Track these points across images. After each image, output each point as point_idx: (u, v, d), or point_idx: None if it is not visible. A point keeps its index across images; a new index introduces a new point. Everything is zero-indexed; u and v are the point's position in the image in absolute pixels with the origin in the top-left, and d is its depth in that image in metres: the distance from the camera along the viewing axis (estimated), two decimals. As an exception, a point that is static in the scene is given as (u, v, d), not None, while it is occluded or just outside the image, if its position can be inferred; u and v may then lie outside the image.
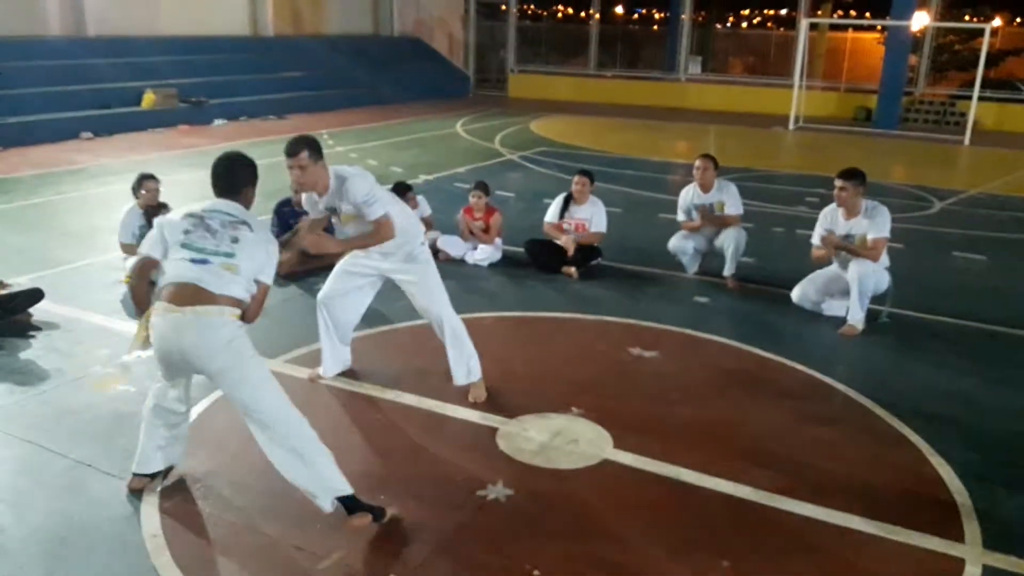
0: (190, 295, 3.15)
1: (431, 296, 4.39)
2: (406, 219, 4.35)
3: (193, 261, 3.20)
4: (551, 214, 6.98)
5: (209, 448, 3.93)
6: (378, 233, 4.08)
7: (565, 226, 6.87)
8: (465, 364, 4.44)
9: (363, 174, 4.14)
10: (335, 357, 4.68)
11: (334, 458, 3.28)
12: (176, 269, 3.21)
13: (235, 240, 3.27)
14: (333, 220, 4.31)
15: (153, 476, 3.57)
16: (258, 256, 3.31)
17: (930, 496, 3.70)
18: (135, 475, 3.54)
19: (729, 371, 5.03)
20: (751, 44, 25.33)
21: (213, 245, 3.24)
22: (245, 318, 3.31)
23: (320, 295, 4.57)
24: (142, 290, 3.38)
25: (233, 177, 3.49)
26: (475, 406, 4.38)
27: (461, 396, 4.46)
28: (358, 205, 4.05)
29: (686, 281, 6.76)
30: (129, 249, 6.08)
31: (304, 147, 3.97)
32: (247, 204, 3.47)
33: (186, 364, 3.25)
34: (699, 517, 3.49)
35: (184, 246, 3.24)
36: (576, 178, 6.90)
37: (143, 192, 6.26)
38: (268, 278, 3.38)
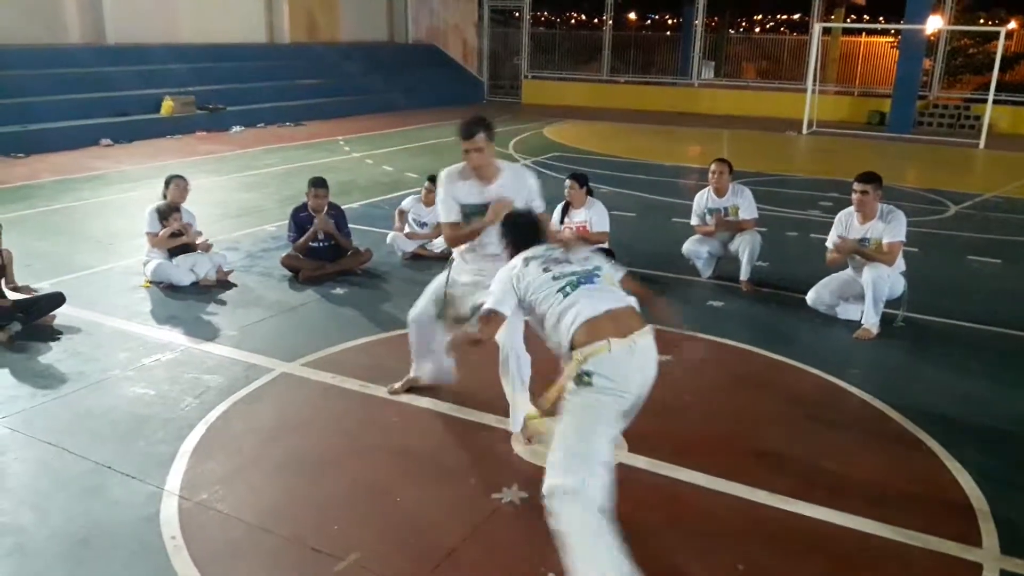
0: (625, 322, 3.04)
1: None
2: None
3: (582, 283, 3.14)
4: (553, 223, 7.00)
5: (227, 451, 3.97)
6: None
7: (567, 232, 6.87)
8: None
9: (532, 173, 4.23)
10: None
11: None
12: (578, 303, 3.06)
13: (585, 257, 3.31)
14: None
15: None
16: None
17: (946, 500, 3.68)
18: None
19: (743, 375, 5.03)
20: (764, 48, 25.20)
21: (579, 266, 3.24)
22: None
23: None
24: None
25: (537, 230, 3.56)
26: (490, 410, 4.37)
27: (476, 399, 4.47)
28: (530, 199, 4.04)
29: (700, 285, 6.77)
30: (151, 238, 6.28)
31: (481, 128, 3.96)
32: None
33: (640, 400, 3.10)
34: (714, 521, 3.49)
35: (556, 279, 3.18)
36: (567, 182, 6.91)
37: (172, 188, 6.45)
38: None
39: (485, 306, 3.29)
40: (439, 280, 4.27)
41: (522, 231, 3.53)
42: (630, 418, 3.11)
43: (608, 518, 2.82)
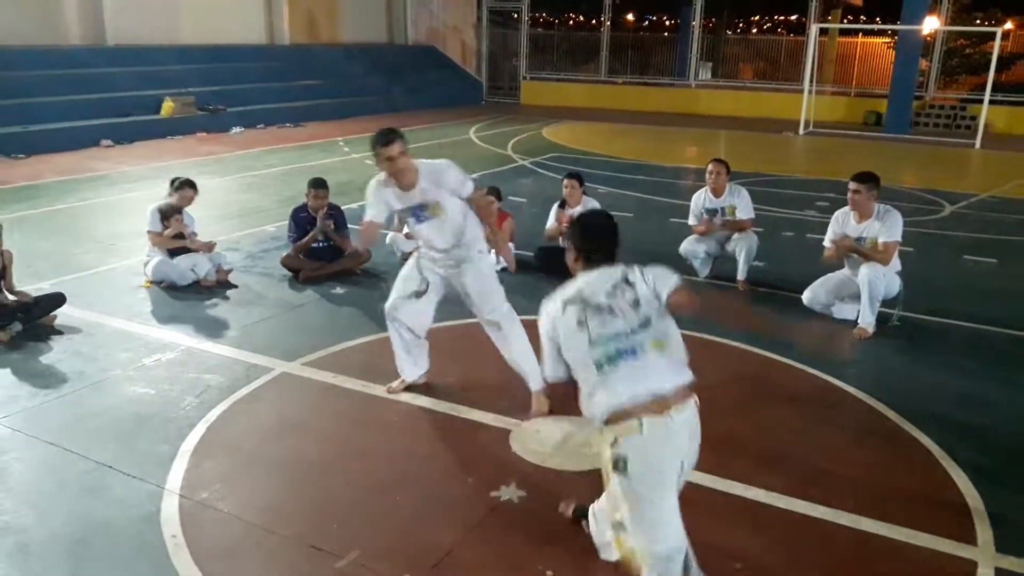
0: (665, 399, 2.66)
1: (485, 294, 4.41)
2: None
3: (623, 357, 2.68)
4: (550, 222, 7.07)
5: (227, 450, 3.99)
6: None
7: (562, 231, 6.92)
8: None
9: (448, 162, 4.28)
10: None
11: None
12: (614, 384, 2.66)
13: (635, 304, 2.76)
14: (409, 220, 4.33)
15: None
16: (660, 304, 2.78)
17: (942, 499, 3.71)
18: None
19: (740, 374, 5.06)
20: (761, 49, 25.24)
21: (623, 321, 2.73)
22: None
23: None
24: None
25: (615, 238, 2.97)
26: (489, 408, 4.40)
27: (474, 398, 4.51)
28: (456, 190, 4.18)
29: (697, 285, 6.78)
30: (154, 237, 6.30)
31: (397, 137, 4.06)
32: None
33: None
34: (711, 519, 3.51)
35: (593, 344, 2.71)
36: (565, 181, 7.03)
37: (178, 196, 6.45)
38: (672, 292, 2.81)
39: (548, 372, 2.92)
40: (405, 271, 4.51)
41: (593, 233, 2.97)
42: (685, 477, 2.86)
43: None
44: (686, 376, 2.76)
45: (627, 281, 2.81)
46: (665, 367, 2.72)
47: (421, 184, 4.14)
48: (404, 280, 4.47)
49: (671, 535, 2.72)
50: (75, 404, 4.44)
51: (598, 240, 2.94)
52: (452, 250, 4.29)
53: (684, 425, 2.70)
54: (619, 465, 2.66)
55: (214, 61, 17.86)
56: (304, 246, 6.69)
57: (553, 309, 2.88)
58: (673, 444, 2.68)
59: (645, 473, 2.65)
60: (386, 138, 4.04)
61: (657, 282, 2.83)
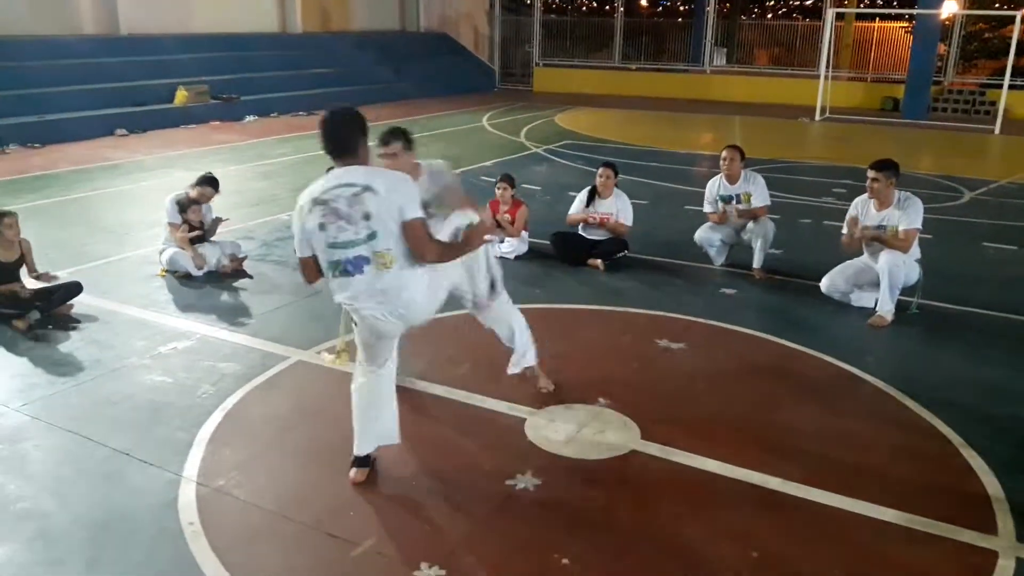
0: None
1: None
2: None
3: (346, 273, 3.26)
4: (575, 207, 7.00)
5: (244, 438, 4.01)
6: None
7: (591, 220, 6.89)
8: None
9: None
10: None
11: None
12: (341, 287, 3.31)
13: (367, 216, 3.18)
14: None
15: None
16: (393, 212, 3.20)
17: (962, 488, 3.68)
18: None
19: (757, 362, 5.03)
20: (777, 35, 25.00)
21: (353, 234, 3.20)
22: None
23: None
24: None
25: (339, 135, 3.30)
26: (503, 397, 4.39)
27: (489, 387, 4.50)
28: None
29: (713, 273, 6.76)
30: (173, 229, 6.33)
31: (399, 137, 4.02)
32: (365, 161, 3.33)
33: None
34: (727, 508, 3.51)
35: (331, 247, 3.24)
36: (600, 170, 6.91)
37: (199, 190, 6.43)
38: (413, 212, 3.23)
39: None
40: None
41: (331, 131, 3.29)
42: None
43: None
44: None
45: (369, 189, 3.16)
46: (381, 286, 3.24)
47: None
48: None
49: None
50: (93, 392, 4.46)
51: (326, 141, 3.28)
52: None
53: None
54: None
55: (227, 50, 17.89)
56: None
57: (304, 203, 3.27)
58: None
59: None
60: (382, 138, 4.01)
61: (404, 202, 3.20)
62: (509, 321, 4.24)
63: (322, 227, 3.22)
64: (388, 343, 3.60)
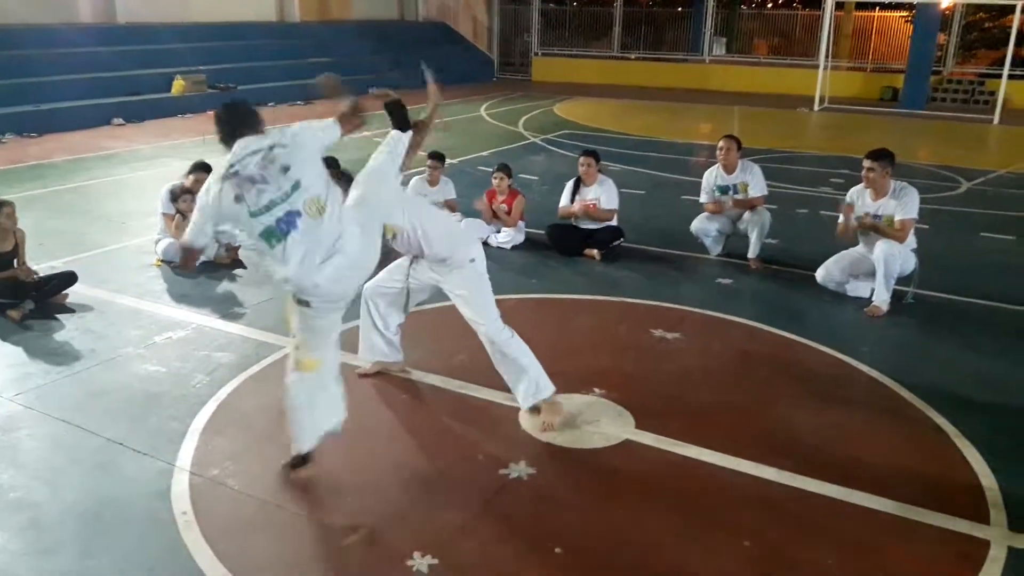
0: None
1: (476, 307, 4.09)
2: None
3: (282, 234, 3.09)
4: (564, 199, 7.01)
5: (238, 427, 4.01)
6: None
7: (577, 212, 6.87)
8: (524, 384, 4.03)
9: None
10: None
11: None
12: (286, 261, 3.13)
13: (285, 169, 3.09)
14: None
15: None
16: (311, 152, 3.19)
17: (955, 478, 3.68)
18: None
19: (752, 352, 5.03)
20: (776, 24, 24.92)
21: (275, 191, 3.07)
22: None
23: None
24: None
25: (240, 116, 3.31)
26: (498, 387, 4.37)
27: (484, 376, 4.48)
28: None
29: (709, 263, 6.75)
30: (168, 220, 6.36)
31: None
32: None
33: None
34: (720, 498, 3.51)
35: (255, 215, 3.07)
36: (580, 159, 6.91)
37: (193, 177, 6.44)
38: (331, 134, 3.29)
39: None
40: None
41: (225, 120, 3.28)
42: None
43: None
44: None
45: (276, 146, 3.11)
46: (326, 234, 3.12)
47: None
48: None
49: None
50: (87, 381, 4.46)
51: (228, 123, 3.26)
52: None
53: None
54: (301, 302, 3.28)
55: (224, 39, 17.80)
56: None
57: (211, 185, 3.15)
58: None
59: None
60: None
61: (316, 135, 3.25)
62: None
63: (238, 199, 3.06)
64: (327, 332, 3.51)
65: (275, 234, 3.10)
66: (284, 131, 3.23)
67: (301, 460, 3.55)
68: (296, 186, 3.09)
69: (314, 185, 3.13)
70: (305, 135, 3.21)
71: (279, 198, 3.07)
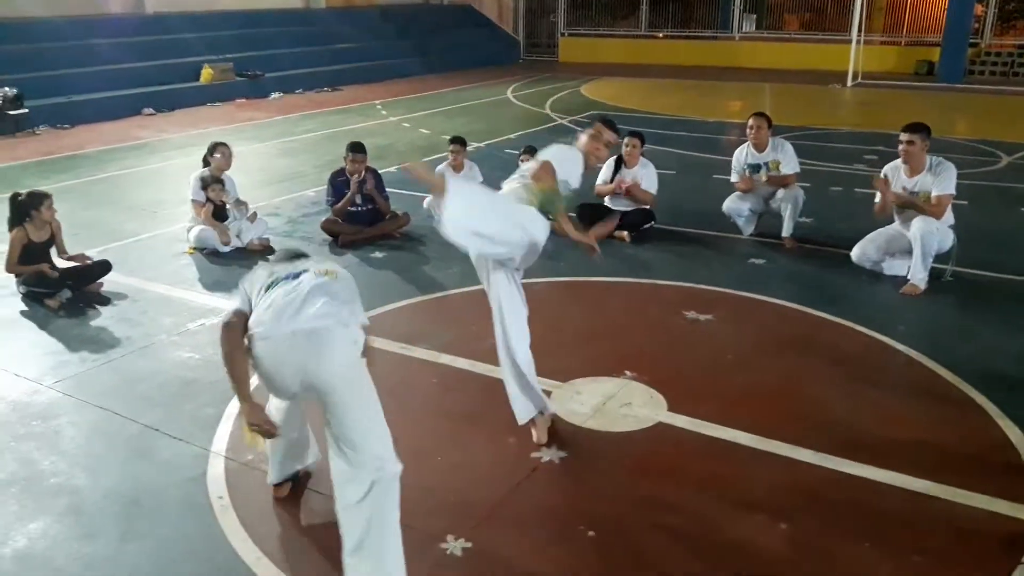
0: None
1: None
2: None
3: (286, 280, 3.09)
4: (602, 178, 6.93)
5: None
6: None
7: (617, 189, 6.83)
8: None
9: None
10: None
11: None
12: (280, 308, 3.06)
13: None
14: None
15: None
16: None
17: (997, 459, 3.60)
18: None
19: (786, 333, 4.96)
20: (808, -1, 24.52)
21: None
22: None
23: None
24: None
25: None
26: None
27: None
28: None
29: (741, 243, 6.66)
30: (197, 208, 6.40)
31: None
32: None
33: None
34: (756, 480, 3.46)
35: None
36: (626, 139, 6.81)
37: (216, 156, 6.52)
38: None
39: None
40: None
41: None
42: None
43: None
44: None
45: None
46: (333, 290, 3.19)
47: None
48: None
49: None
50: (123, 369, 4.52)
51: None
52: None
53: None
54: None
55: (251, 27, 17.89)
56: (341, 209, 6.69)
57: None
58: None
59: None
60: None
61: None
62: None
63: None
64: (296, 405, 3.35)
65: (281, 281, 3.14)
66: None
67: (279, 488, 3.41)
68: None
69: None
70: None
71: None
